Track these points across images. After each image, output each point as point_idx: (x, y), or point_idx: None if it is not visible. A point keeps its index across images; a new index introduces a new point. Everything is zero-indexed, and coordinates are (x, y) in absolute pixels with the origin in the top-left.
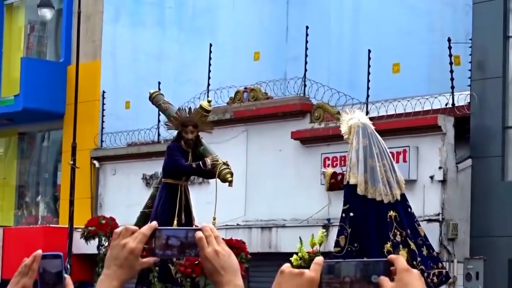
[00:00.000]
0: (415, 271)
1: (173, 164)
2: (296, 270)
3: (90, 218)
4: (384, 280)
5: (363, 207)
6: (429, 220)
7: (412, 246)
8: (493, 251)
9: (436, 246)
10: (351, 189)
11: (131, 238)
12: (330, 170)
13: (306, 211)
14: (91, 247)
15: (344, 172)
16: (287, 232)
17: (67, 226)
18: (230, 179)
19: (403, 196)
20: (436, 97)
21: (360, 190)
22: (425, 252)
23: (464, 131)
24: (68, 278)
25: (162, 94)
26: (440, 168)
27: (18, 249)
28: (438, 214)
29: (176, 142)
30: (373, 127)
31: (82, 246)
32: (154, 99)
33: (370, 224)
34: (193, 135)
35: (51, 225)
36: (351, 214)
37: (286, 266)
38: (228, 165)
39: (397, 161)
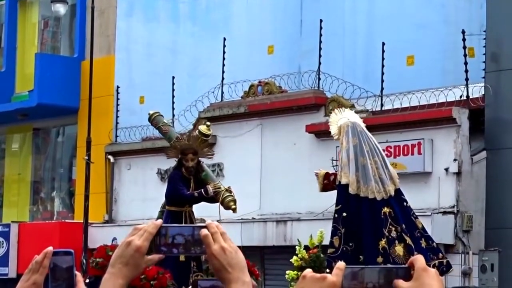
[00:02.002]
0: (433, 270)
1: (174, 195)
2: (318, 275)
3: (98, 246)
4: (398, 281)
5: (356, 206)
6: (444, 212)
7: (408, 240)
8: (508, 243)
9: (451, 238)
10: (343, 189)
11: (136, 236)
12: (322, 171)
13: (321, 204)
14: (106, 241)
15: (337, 172)
16: (302, 225)
17: (82, 221)
18: (233, 206)
19: (397, 191)
20: (450, 89)
21: (352, 189)
22: (423, 244)
23: (478, 123)
24: (78, 275)
25: (161, 115)
26: (455, 160)
27: (33, 244)
28: (453, 206)
29: (177, 170)
30: (363, 125)
31: (98, 241)
32: (153, 120)
33: (364, 222)
34: (194, 162)
35: (66, 220)
36: (344, 214)
37: (308, 271)
38: (230, 191)
39: (412, 154)
